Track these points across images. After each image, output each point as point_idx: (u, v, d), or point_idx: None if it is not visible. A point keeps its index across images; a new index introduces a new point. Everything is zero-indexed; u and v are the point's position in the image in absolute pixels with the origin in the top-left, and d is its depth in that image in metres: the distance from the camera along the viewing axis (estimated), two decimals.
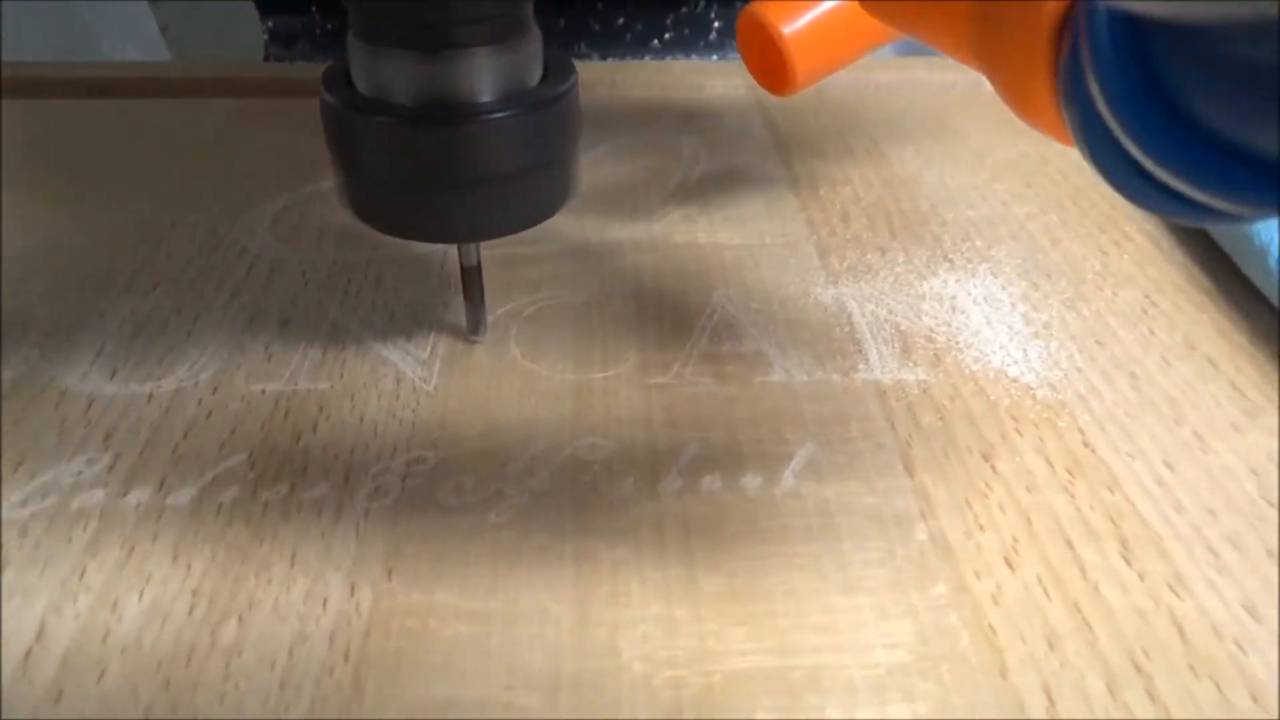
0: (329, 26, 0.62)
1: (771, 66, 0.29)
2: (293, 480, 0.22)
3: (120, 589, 0.19)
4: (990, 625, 0.19)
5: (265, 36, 0.66)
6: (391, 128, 0.21)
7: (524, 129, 0.22)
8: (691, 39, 0.64)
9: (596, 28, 0.65)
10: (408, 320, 0.28)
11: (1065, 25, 0.15)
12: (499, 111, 0.22)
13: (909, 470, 0.23)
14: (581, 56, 0.60)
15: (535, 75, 0.23)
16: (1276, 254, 0.27)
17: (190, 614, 0.19)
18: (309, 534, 0.21)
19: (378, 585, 0.19)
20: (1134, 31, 0.11)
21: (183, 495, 0.22)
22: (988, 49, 0.18)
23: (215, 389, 0.25)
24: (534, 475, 0.22)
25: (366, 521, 0.21)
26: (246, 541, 0.20)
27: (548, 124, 0.23)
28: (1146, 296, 0.29)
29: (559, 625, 0.19)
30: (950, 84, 0.45)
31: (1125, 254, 0.32)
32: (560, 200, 0.24)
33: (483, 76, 0.21)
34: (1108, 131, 0.13)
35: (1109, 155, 0.13)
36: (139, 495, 0.22)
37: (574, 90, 0.23)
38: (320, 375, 0.26)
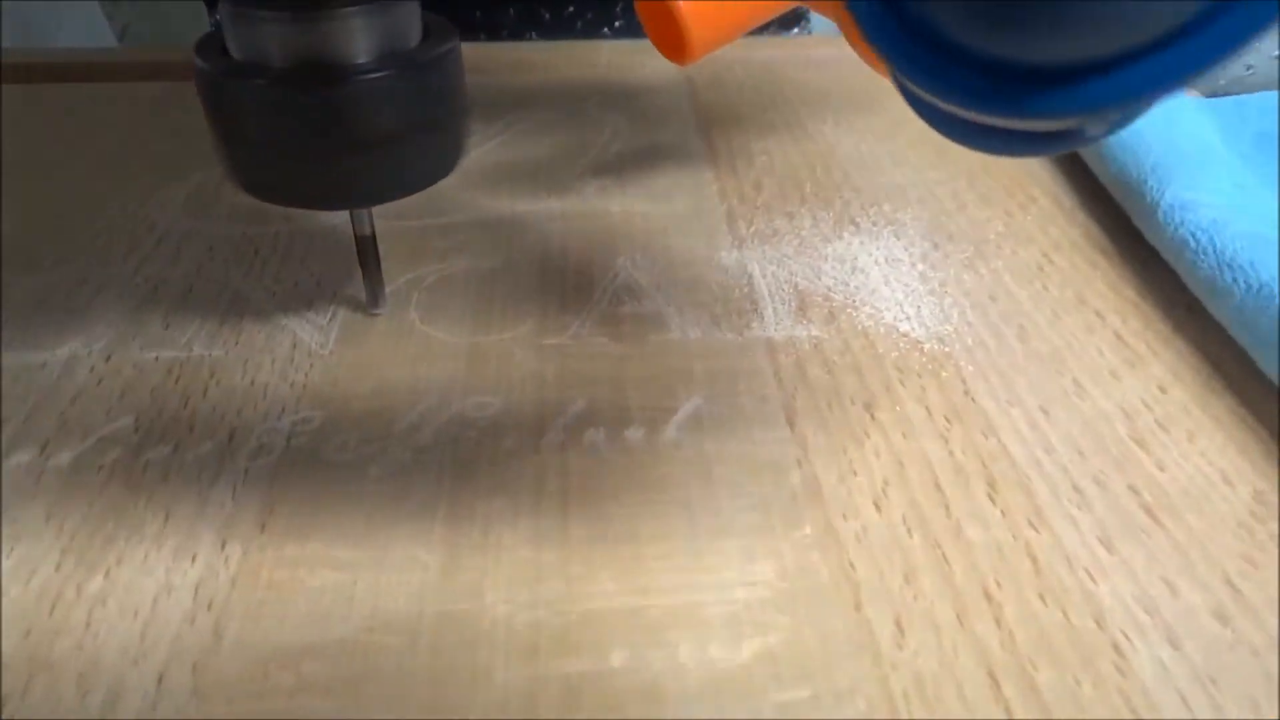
0: None
1: (670, 35, 0.29)
2: (176, 442, 0.22)
3: None
4: (851, 562, 0.19)
5: (212, 29, 0.65)
6: (265, 90, 0.21)
7: (402, 90, 0.22)
8: (642, 27, 0.64)
9: (547, 16, 0.65)
10: (311, 289, 0.28)
11: None
12: (375, 72, 0.22)
13: (790, 421, 0.23)
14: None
15: (413, 37, 0.23)
16: (1164, 209, 0.28)
17: (58, 569, 0.19)
18: (186, 492, 0.21)
19: (249, 539, 0.20)
20: None
21: (64, 457, 0.22)
22: None
23: (109, 356, 0.25)
24: (419, 432, 0.23)
25: (245, 479, 0.21)
26: (123, 500, 0.21)
27: (427, 85, 0.23)
28: (1044, 255, 0.30)
29: (426, 571, 0.19)
30: None
31: (1029, 215, 0.32)
32: (448, 164, 0.24)
33: (357, 37, 0.21)
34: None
35: (903, 89, 0.13)
36: (20, 458, 0.22)
37: (455, 52, 0.23)
38: (216, 342, 0.26)
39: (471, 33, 0.58)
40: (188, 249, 0.30)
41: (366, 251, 0.26)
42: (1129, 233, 0.30)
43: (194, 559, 0.19)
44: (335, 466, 0.22)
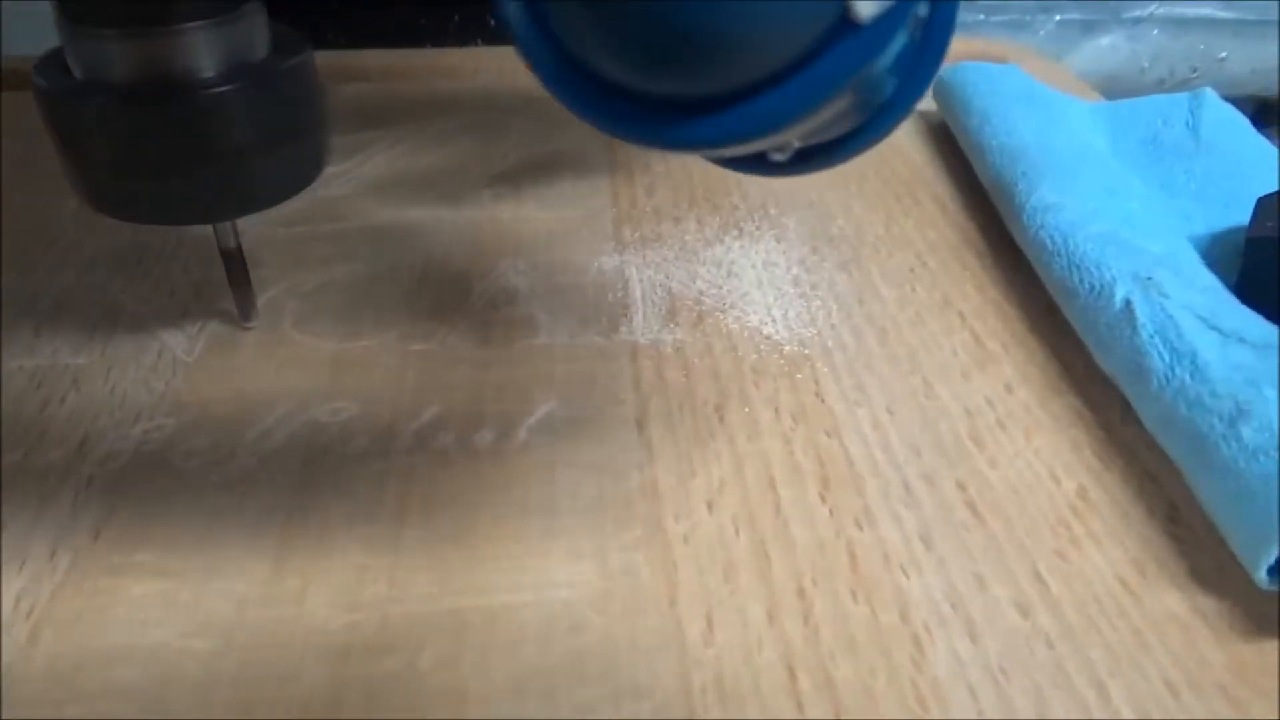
0: None
1: None
2: (27, 449, 0.22)
3: None
4: (674, 562, 0.19)
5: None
6: (109, 108, 0.21)
7: (250, 103, 0.22)
8: None
9: (493, 23, 0.65)
10: (188, 298, 0.28)
11: None
12: (221, 85, 0.21)
13: (640, 424, 0.23)
14: None
15: (260, 49, 0.23)
16: (1029, 212, 0.28)
17: None
18: (26, 501, 0.21)
19: (81, 548, 0.20)
20: None
21: None
22: None
23: None
24: (270, 439, 0.23)
25: (88, 487, 0.21)
26: None
27: (277, 98, 0.22)
28: (918, 257, 0.30)
29: (252, 578, 0.19)
30: None
31: (910, 219, 0.33)
32: (306, 177, 0.24)
33: (201, 51, 0.21)
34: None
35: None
36: None
37: (305, 64, 0.23)
38: (83, 351, 0.26)
39: (417, 39, 0.58)
40: (71, 259, 0.30)
41: (233, 265, 0.25)
42: (1004, 236, 0.31)
43: (21, 567, 0.19)
44: (180, 473, 0.22)
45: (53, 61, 0.22)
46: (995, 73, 0.38)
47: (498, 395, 0.24)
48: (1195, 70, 0.89)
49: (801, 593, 0.19)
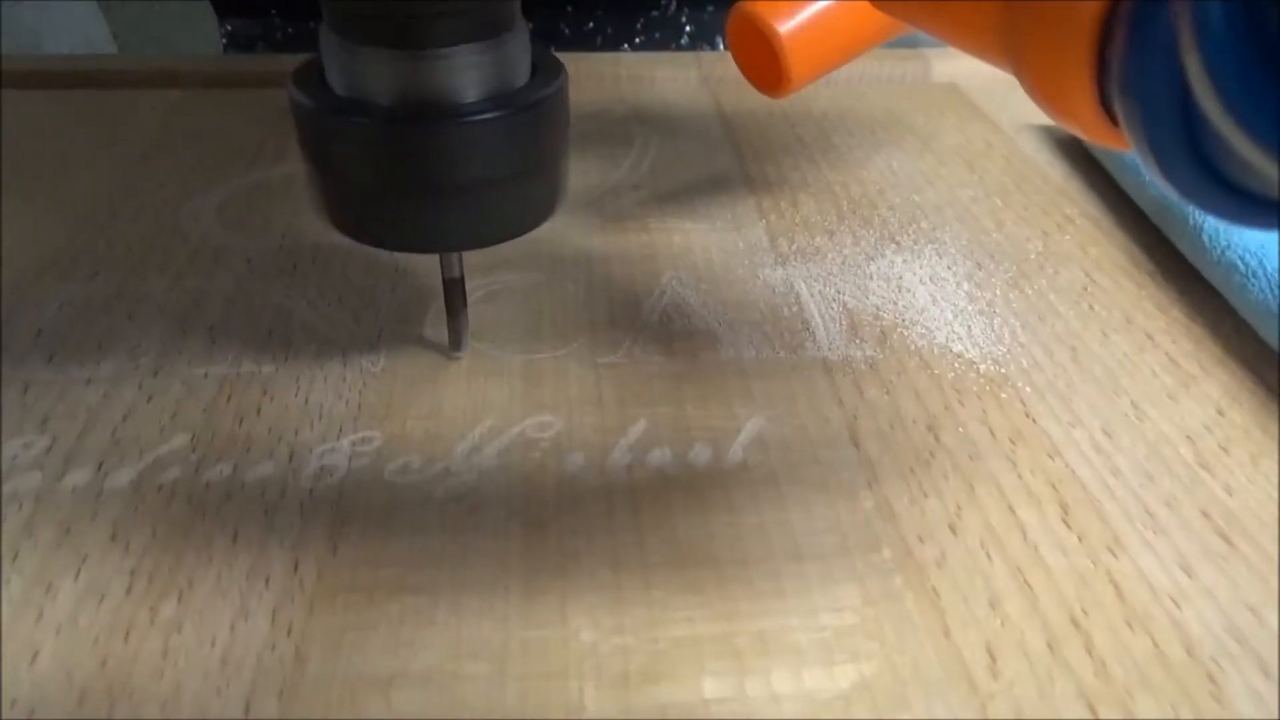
0: (289, 30, 0.61)
1: (765, 66, 0.29)
2: (236, 461, 0.22)
3: (55, 570, 0.19)
4: (933, 588, 0.19)
5: (223, 40, 0.64)
6: (367, 130, 0.20)
7: (510, 131, 0.21)
8: (663, 42, 0.64)
9: (567, 31, 0.65)
10: (356, 303, 0.28)
11: (1108, 24, 0.14)
12: (483, 113, 0.20)
13: (855, 442, 0.23)
14: None
15: (522, 75, 0.21)
16: (1209, 232, 0.28)
17: (128, 592, 0.18)
18: (252, 512, 0.20)
19: (322, 561, 0.19)
20: (1251, 7, 0.11)
21: (122, 477, 0.21)
22: (1019, 49, 0.16)
23: (156, 372, 0.24)
24: (481, 453, 0.22)
25: (311, 499, 0.21)
26: (188, 521, 0.20)
27: (535, 127, 0.21)
28: (1087, 275, 0.30)
29: (507, 595, 0.19)
30: (897, 76, 0.45)
31: (1067, 235, 0.32)
32: (549, 208, 0.23)
33: (466, 76, 0.20)
34: (1175, 127, 0.12)
35: (1173, 151, 0.13)
36: (76, 477, 0.21)
37: (563, 91, 0.22)
38: (264, 358, 0.25)
39: None
40: (225, 262, 0.30)
41: (454, 294, 0.24)
42: (1170, 253, 0.30)
43: (268, 581, 0.19)
44: (400, 488, 0.21)
45: (309, 75, 0.21)
46: None
47: (700, 411, 0.24)
48: None
49: (1075, 623, 0.18)
